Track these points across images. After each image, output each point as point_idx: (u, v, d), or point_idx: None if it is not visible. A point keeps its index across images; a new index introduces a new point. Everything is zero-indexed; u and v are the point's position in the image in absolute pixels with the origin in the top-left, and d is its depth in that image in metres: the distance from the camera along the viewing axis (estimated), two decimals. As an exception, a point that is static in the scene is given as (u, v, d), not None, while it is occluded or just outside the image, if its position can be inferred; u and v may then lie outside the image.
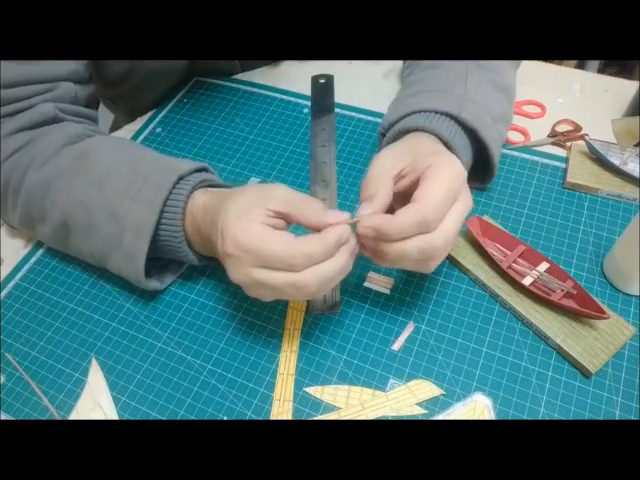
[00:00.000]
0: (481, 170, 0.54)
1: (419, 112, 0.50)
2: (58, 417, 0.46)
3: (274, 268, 0.38)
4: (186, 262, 0.50)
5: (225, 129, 0.68)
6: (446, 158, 0.42)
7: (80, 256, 0.53)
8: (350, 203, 0.59)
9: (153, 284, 0.50)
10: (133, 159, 0.50)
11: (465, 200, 0.42)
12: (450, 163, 0.41)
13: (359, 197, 0.43)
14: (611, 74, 0.72)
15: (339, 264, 0.39)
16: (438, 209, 0.39)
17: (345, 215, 0.40)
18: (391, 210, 0.41)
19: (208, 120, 0.69)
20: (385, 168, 0.42)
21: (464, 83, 0.51)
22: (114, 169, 0.49)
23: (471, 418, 0.44)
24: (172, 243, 0.47)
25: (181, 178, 0.47)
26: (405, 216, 0.39)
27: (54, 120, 0.53)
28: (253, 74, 0.76)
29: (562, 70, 0.73)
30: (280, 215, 0.40)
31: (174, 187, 0.47)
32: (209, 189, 0.49)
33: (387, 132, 0.52)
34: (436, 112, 0.49)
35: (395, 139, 0.50)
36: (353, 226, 0.41)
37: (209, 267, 0.54)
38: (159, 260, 0.51)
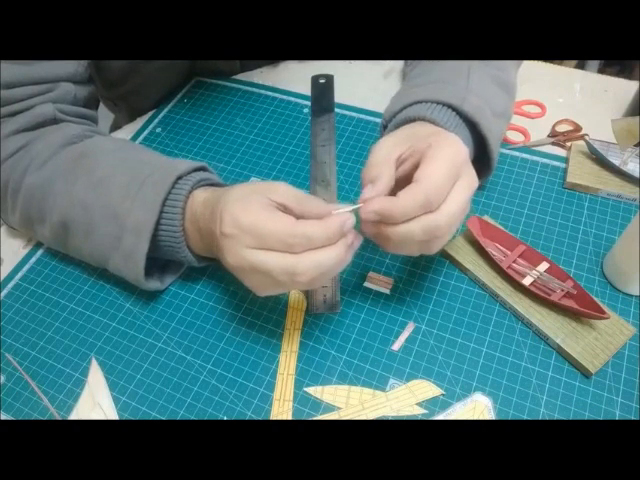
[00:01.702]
0: (479, 166, 0.54)
1: (421, 102, 0.50)
2: (58, 417, 0.46)
3: (271, 248, 0.38)
4: (185, 263, 0.50)
5: (225, 129, 0.68)
6: (444, 136, 0.41)
7: (80, 257, 0.53)
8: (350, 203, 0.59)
9: (153, 284, 0.50)
10: (132, 160, 0.50)
11: (468, 178, 0.41)
12: (449, 141, 0.41)
13: (361, 185, 0.43)
14: (611, 74, 0.72)
15: (335, 255, 0.39)
16: (440, 187, 0.39)
17: (347, 208, 0.40)
18: (393, 195, 0.41)
19: (208, 120, 0.70)
20: (385, 153, 0.42)
21: (467, 76, 0.51)
22: (113, 170, 0.49)
23: (471, 418, 0.44)
24: (172, 244, 0.47)
25: (179, 178, 0.47)
26: (407, 197, 0.39)
27: (53, 121, 0.53)
28: (253, 74, 0.76)
29: (562, 70, 0.73)
30: (281, 206, 0.40)
31: (173, 187, 0.47)
32: (209, 187, 0.49)
33: (389, 123, 0.52)
34: (438, 103, 0.49)
35: (396, 129, 0.50)
36: (356, 214, 0.41)
37: (209, 267, 0.54)
38: (160, 260, 0.51)
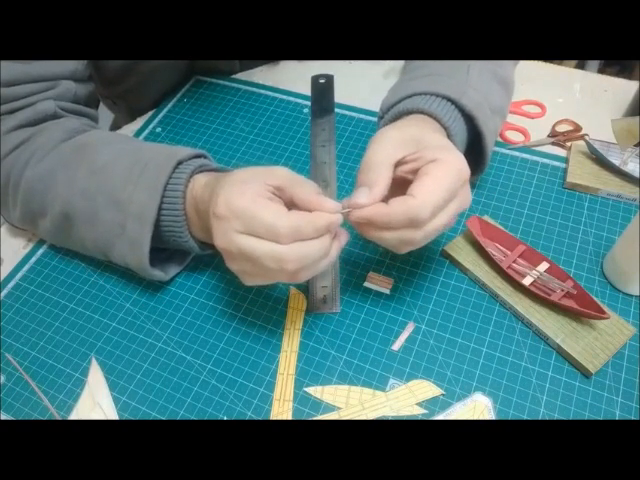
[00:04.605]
0: (472, 162, 0.54)
1: (419, 95, 0.49)
2: (58, 417, 0.46)
3: (260, 236, 0.38)
4: (187, 249, 0.50)
5: (225, 129, 0.68)
6: (452, 156, 0.41)
7: (83, 249, 0.53)
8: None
9: (157, 274, 0.50)
10: (133, 148, 0.51)
11: (462, 198, 0.42)
12: (455, 162, 0.41)
13: (355, 183, 0.43)
14: (611, 74, 0.72)
15: (321, 247, 0.39)
16: (433, 210, 0.39)
17: (338, 207, 0.40)
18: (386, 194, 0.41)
19: (208, 120, 0.69)
20: (386, 154, 0.42)
21: (466, 70, 0.51)
22: (114, 158, 0.49)
23: (471, 418, 0.44)
24: (174, 228, 0.47)
25: (180, 163, 0.48)
26: (398, 210, 0.39)
27: (54, 117, 0.54)
28: (253, 73, 0.76)
29: (562, 70, 0.73)
30: (277, 190, 0.41)
31: (174, 171, 0.47)
32: (211, 172, 0.49)
33: (385, 115, 0.52)
34: (437, 95, 0.49)
35: (393, 121, 0.50)
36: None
37: (209, 267, 0.54)
38: (163, 253, 0.52)
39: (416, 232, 0.40)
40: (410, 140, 0.42)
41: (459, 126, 0.49)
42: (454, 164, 0.40)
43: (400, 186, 0.42)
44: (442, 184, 0.39)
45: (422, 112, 0.48)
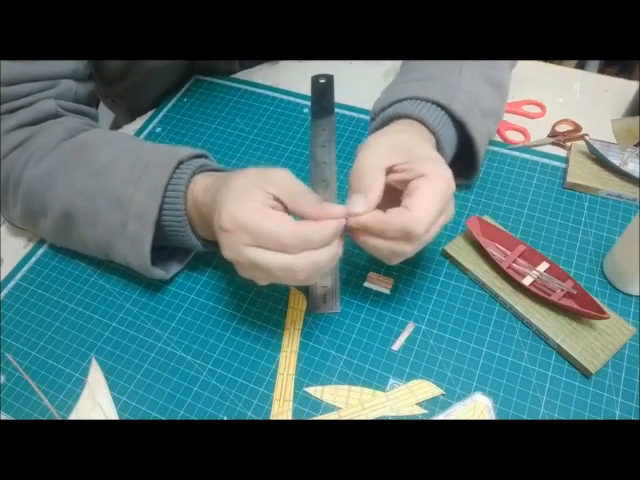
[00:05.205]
0: (466, 165, 0.54)
1: (410, 99, 0.50)
2: (58, 417, 0.46)
3: (268, 248, 0.38)
4: (190, 248, 0.50)
5: (225, 129, 0.68)
6: (441, 170, 0.41)
7: (84, 248, 0.53)
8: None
9: (159, 272, 0.50)
10: (133, 148, 0.51)
11: (449, 212, 0.43)
12: (444, 176, 0.41)
13: (348, 188, 0.43)
14: (611, 74, 0.72)
15: (330, 253, 0.40)
16: (429, 225, 0.40)
17: (341, 210, 0.40)
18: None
19: (208, 120, 0.69)
20: (378, 159, 0.42)
21: (458, 73, 0.51)
22: (115, 158, 0.49)
23: (471, 418, 0.44)
24: (175, 227, 0.47)
25: (181, 163, 0.48)
26: (395, 220, 0.40)
27: (55, 116, 0.54)
28: (252, 73, 0.76)
29: (562, 70, 0.73)
30: (277, 199, 0.40)
31: (175, 171, 0.47)
32: (211, 173, 0.49)
33: (377, 117, 0.52)
34: (427, 101, 0.49)
35: (383, 125, 0.50)
36: None
37: (209, 266, 0.54)
38: (164, 251, 0.52)
39: (408, 245, 0.41)
40: (399, 147, 0.43)
41: (448, 131, 0.49)
42: (443, 178, 0.41)
43: (389, 195, 0.42)
44: (435, 200, 0.40)
45: (411, 117, 0.48)
